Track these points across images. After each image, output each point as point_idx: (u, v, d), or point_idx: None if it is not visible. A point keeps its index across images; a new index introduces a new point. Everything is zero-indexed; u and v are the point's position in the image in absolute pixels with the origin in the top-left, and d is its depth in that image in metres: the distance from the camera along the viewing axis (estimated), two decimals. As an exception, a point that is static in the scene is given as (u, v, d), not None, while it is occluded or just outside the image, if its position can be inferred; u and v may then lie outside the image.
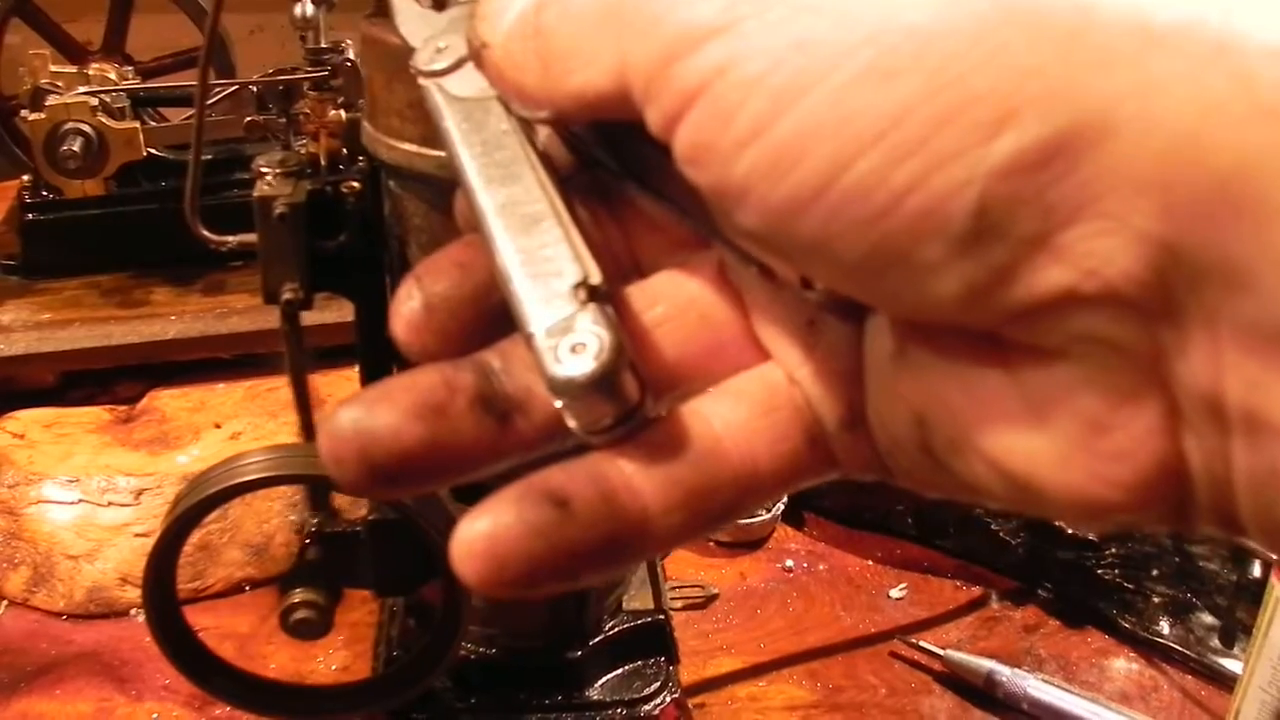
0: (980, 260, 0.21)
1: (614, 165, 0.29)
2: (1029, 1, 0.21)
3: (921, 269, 0.22)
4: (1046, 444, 0.23)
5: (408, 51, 0.31)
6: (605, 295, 0.25)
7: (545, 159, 0.28)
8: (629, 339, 0.25)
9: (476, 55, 0.29)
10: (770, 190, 0.23)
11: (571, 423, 0.25)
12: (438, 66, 0.30)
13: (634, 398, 0.25)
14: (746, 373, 0.28)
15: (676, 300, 0.28)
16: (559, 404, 0.24)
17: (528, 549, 0.24)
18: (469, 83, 0.30)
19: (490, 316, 0.27)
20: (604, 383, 0.24)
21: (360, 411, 0.25)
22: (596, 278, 0.25)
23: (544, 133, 0.30)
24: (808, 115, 0.22)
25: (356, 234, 0.60)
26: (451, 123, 0.29)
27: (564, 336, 0.24)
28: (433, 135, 0.54)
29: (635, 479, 0.25)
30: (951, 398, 0.24)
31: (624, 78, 0.25)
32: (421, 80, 0.30)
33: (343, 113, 0.72)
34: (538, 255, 0.26)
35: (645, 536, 0.25)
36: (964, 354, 0.24)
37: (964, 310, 0.22)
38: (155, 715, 0.76)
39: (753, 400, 0.27)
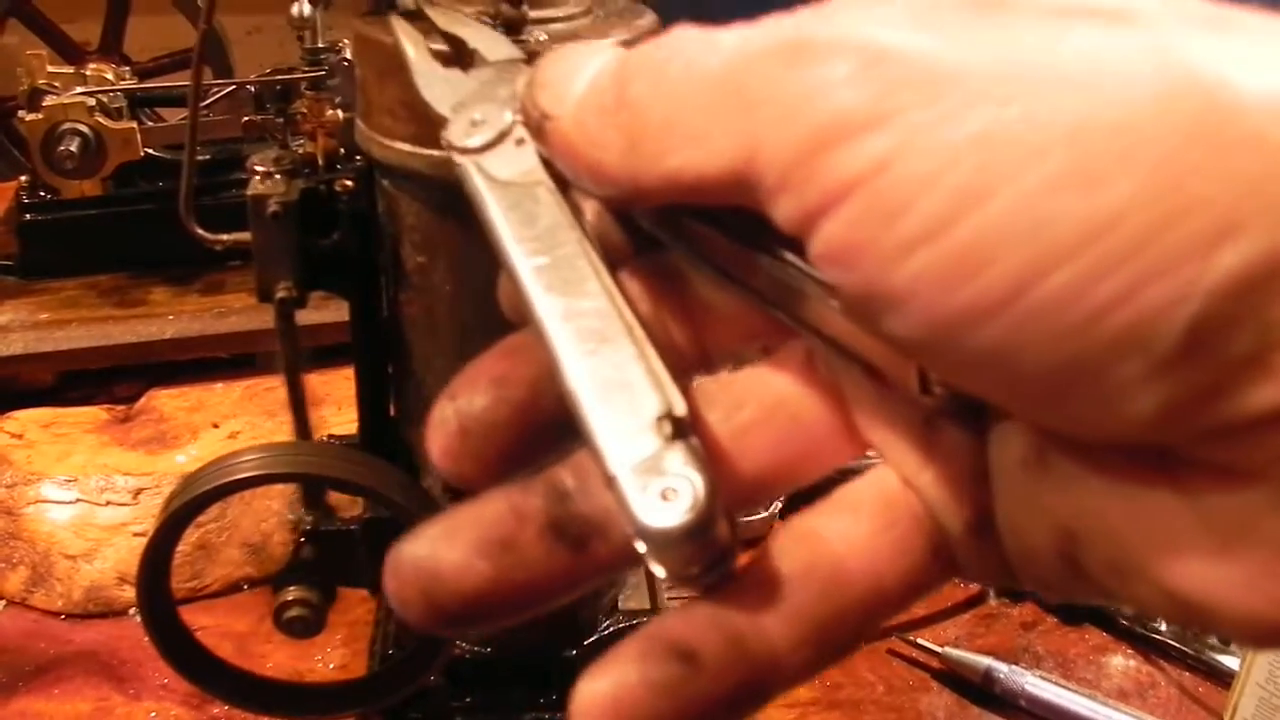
0: (1184, 379, 0.19)
1: (680, 247, 0.27)
2: (1250, 104, 0.19)
3: (1115, 387, 0.20)
4: (1229, 570, 0.21)
5: (439, 121, 0.28)
6: (690, 429, 0.23)
7: (602, 252, 0.26)
8: (719, 475, 0.23)
9: (537, 127, 0.26)
10: (941, 298, 0.20)
11: (657, 570, 0.23)
12: (474, 142, 0.27)
13: (726, 543, 0.23)
14: (859, 481, 0.26)
15: (764, 401, 0.26)
16: (643, 549, 0.22)
17: (654, 709, 0.22)
18: (511, 162, 0.27)
19: (533, 437, 0.25)
20: (698, 533, 0.22)
21: (424, 549, 0.24)
22: (681, 409, 0.23)
23: (590, 209, 0.27)
24: (994, 219, 0.20)
25: (350, 233, 0.60)
26: (497, 212, 0.26)
27: (652, 479, 0.22)
28: (424, 133, 0.54)
29: (762, 617, 0.24)
30: (1110, 516, 0.22)
31: (749, 164, 0.22)
32: (457, 158, 0.27)
33: (340, 112, 0.72)
34: (612, 379, 0.23)
35: (776, 678, 0.24)
36: (1123, 467, 0.22)
37: (1153, 430, 0.20)
38: (153, 714, 0.76)
39: (872, 513, 0.25)
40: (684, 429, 0.23)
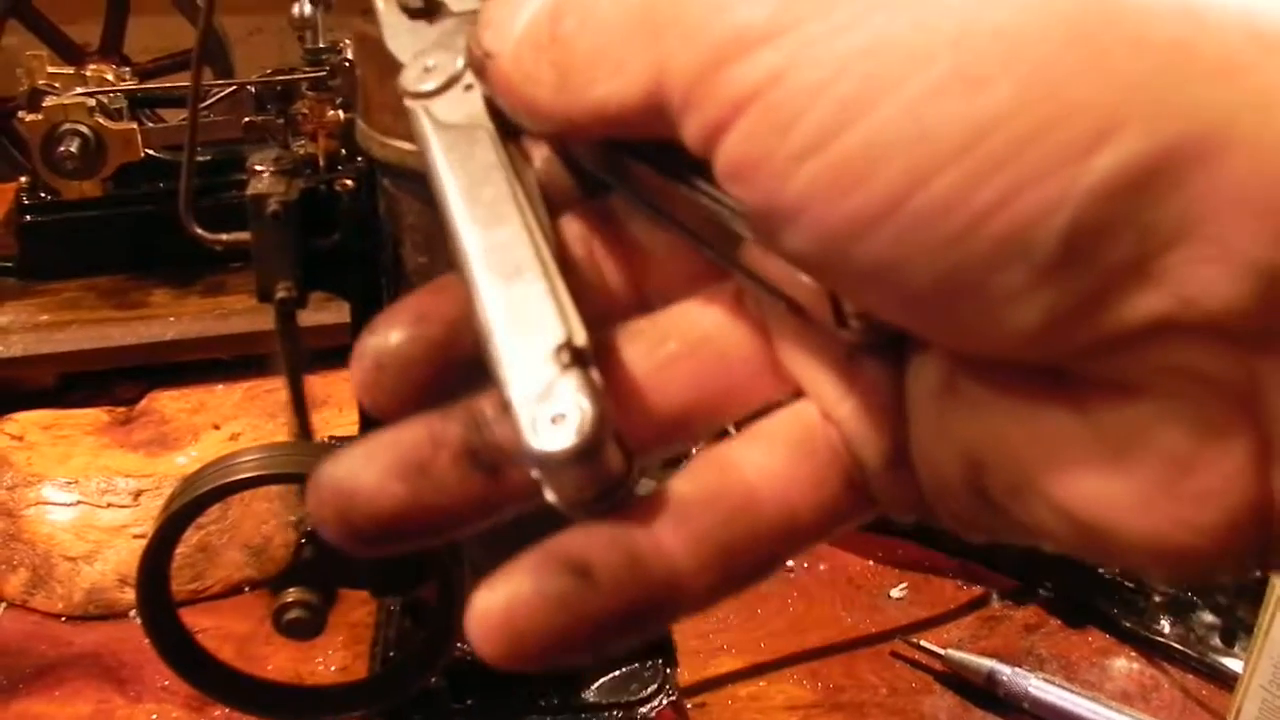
0: (1066, 287, 0.19)
1: (622, 189, 0.27)
2: (1131, 5, 0.19)
3: (999, 297, 0.20)
4: (1123, 487, 0.21)
5: (396, 67, 0.29)
6: (589, 358, 0.23)
7: (536, 196, 0.26)
8: (615, 405, 0.23)
9: (479, 66, 0.27)
10: (830, 208, 0.20)
11: (550, 496, 0.23)
12: (425, 87, 0.28)
13: (617, 471, 0.23)
14: (778, 413, 0.26)
15: (689, 336, 0.26)
16: (536, 475, 0.23)
17: (548, 622, 0.23)
18: (457, 107, 0.28)
19: (449, 373, 0.26)
20: (584, 457, 0.22)
21: (341, 470, 0.24)
22: (581, 339, 0.23)
23: (540, 156, 0.28)
24: (879, 126, 0.20)
25: (351, 233, 0.60)
26: (437, 152, 0.27)
27: (543, 404, 0.22)
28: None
29: (664, 538, 0.24)
30: (1012, 438, 0.22)
31: (660, 87, 0.22)
32: (408, 101, 0.28)
33: (341, 113, 0.72)
34: (520, 310, 0.24)
35: (676, 600, 0.24)
36: (1025, 390, 0.22)
37: (1040, 342, 0.20)
38: (154, 716, 0.76)
39: (788, 443, 0.25)
40: (582, 359, 0.23)
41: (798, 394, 0.26)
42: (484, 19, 0.27)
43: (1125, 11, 0.19)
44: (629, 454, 0.24)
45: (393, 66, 0.30)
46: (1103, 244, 0.19)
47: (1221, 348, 0.19)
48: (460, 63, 0.29)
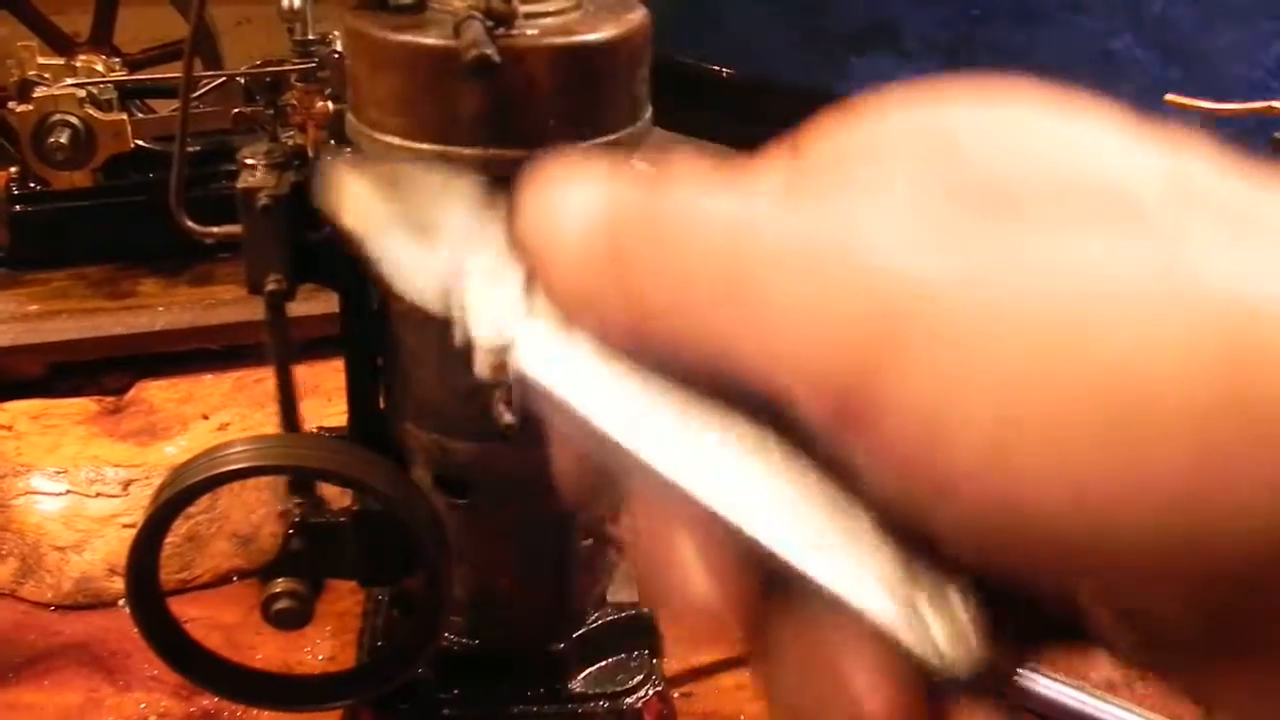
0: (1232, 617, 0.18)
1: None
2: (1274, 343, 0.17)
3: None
4: None
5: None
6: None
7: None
8: None
9: (529, 271, 0.23)
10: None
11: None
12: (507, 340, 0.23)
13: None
14: None
15: None
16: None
17: None
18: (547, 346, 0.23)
19: None
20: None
21: None
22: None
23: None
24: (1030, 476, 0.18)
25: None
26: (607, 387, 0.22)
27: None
28: (414, 126, 0.54)
29: None
30: None
31: (775, 375, 0.20)
32: (513, 362, 0.23)
33: (330, 104, 0.72)
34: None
35: None
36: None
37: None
38: (143, 705, 0.76)
39: None
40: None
41: None
42: (523, 219, 0.24)
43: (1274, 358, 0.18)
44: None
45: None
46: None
47: None
48: (516, 285, 0.24)
